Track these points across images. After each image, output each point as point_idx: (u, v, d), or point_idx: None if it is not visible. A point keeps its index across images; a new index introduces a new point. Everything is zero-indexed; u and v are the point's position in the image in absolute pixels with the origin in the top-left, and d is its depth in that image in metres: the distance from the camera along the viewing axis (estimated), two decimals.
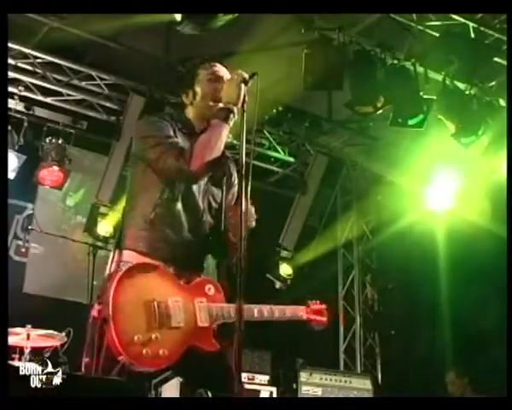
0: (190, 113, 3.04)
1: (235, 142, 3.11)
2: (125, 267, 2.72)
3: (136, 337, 2.57)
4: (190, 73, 3.06)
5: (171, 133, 2.89)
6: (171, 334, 2.67)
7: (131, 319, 2.60)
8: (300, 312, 3.18)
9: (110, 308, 2.57)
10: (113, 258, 2.81)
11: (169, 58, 6.78)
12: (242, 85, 2.79)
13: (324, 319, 3.24)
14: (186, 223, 2.88)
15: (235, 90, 2.80)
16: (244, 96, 2.76)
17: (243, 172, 2.59)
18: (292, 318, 3.13)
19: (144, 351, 2.57)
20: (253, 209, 2.97)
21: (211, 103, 2.93)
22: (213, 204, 3.00)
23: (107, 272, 2.80)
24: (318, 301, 3.26)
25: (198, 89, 3.00)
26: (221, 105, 2.86)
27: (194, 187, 2.92)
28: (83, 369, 2.72)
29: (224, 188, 3.05)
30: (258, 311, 2.95)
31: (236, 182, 3.03)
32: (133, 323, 2.59)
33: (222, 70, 3.03)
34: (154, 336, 2.61)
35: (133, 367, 2.56)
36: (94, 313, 2.74)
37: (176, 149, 2.80)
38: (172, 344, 2.66)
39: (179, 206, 2.87)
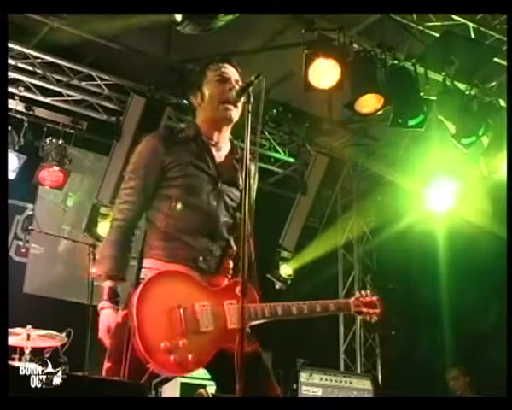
0: (200, 116, 2.99)
1: (235, 142, 3.10)
2: (149, 274, 2.71)
3: (162, 344, 2.54)
4: (199, 74, 3.01)
5: (149, 171, 2.86)
6: (200, 339, 2.64)
7: (157, 326, 2.58)
8: (348, 304, 3.05)
9: (134, 317, 2.55)
10: (138, 266, 2.80)
11: (169, 58, 6.78)
12: None
13: (378, 310, 3.06)
14: (200, 227, 2.84)
15: None
16: (249, 96, 2.66)
17: (246, 172, 2.56)
18: (336, 311, 3.04)
19: (172, 358, 2.54)
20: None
21: (218, 105, 2.87)
22: (230, 203, 2.94)
23: (134, 278, 2.78)
24: (369, 292, 3.10)
25: (206, 90, 2.94)
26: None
27: (204, 191, 2.87)
28: (103, 373, 2.70)
29: (243, 188, 2.96)
30: (297, 308, 2.89)
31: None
32: (159, 330, 2.57)
33: (230, 71, 2.96)
34: (181, 342, 2.58)
35: (162, 375, 2.55)
36: (118, 318, 2.74)
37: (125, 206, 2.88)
38: (201, 349, 2.63)
39: (190, 212, 2.84)
